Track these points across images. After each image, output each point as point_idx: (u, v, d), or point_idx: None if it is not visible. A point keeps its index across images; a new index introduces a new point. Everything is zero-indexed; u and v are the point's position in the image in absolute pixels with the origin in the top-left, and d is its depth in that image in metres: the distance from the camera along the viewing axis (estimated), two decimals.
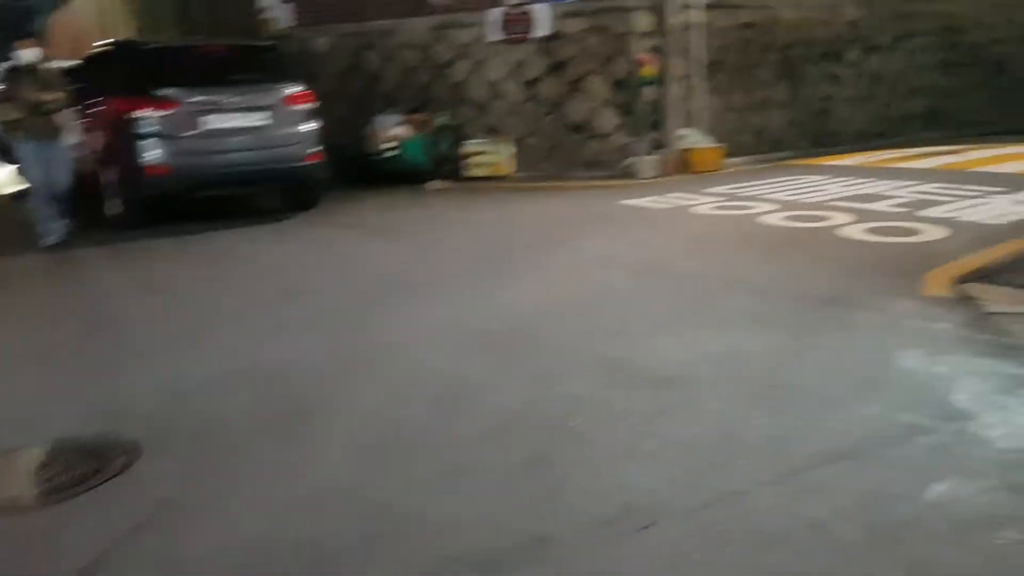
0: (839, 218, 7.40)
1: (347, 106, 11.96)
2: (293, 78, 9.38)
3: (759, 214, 7.87)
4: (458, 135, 11.55)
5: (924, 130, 13.60)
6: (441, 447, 3.43)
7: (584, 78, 11.23)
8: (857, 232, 6.85)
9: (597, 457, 3.26)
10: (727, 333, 4.58)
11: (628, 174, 10.67)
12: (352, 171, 11.41)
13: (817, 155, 11.84)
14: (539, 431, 3.51)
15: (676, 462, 3.17)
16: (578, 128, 11.38)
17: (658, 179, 10.47)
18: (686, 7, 11.00)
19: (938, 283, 5.24)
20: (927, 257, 5.91)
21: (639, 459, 3.21)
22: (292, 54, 11.50)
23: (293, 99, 9.11)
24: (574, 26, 11.14)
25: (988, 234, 6.50)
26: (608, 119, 11.23)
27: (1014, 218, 7.00)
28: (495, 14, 11.33)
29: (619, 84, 11.07)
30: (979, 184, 8.59)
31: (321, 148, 9.31)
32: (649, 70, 10.86)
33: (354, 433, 3.63)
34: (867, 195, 8.42)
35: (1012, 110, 13.84)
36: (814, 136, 12.92)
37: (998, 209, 7.39)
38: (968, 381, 3.72)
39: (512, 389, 3.99)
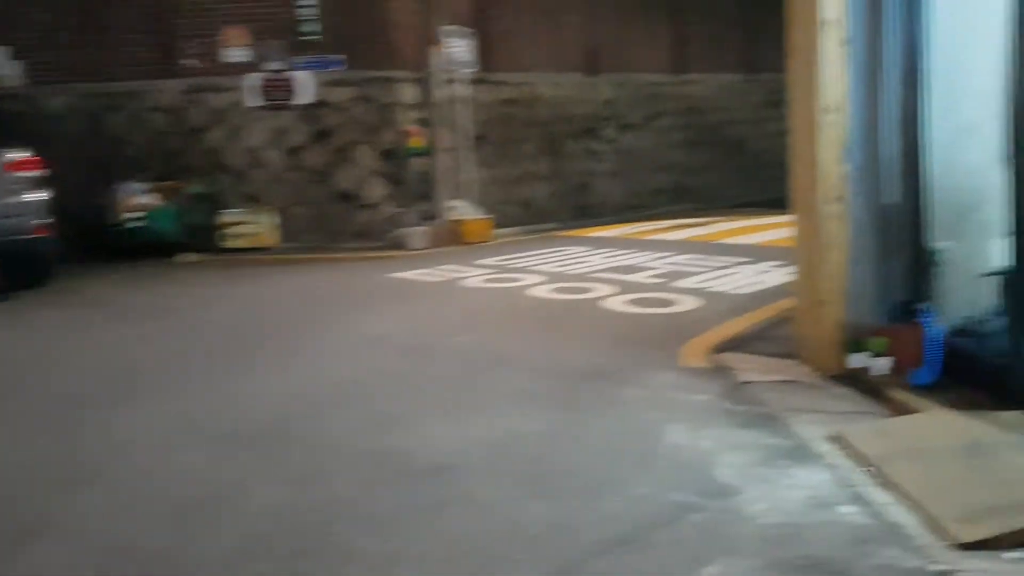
0: (602, 289, 7.61)
1: (87, 173, 10.88)
2: (18, 142, 8.37)
3: (527, 286, 7.96)
4: (214, 204, 10.86)
5: (672, 203, 14.62)
6: (176, 571, 2.97)
7: (351, 147, 11.04)
8: (619, 304, 7.06)
9: (360, 570, 2.93)
10: (499, 415, 4.47)
11: (398, 245, 10.51)
12: (92, 244, 10.36)
13: (579, 226, 12.34)
14: (294, 545, 3.12)
15: (451, 566, 2.93)
16: (346, 197, 11.11)
17: (428, 250, 10.39)
18: (451, 81, 11.15)
19: (695, 354, 5.44)
20: (683, 327, 6.15)
21: (409, 567, 2.93)
22: (20, 115, 10.37)
23: (17, 165, 8.12)
24: (340, 95, 10.96)
25: (737, 303, 6.90)
26: (376, 189, 11.07)
27: (759, 287, 7.51)
28: (254, 79, 10.89)
29: (387, 154, 10.98)
30: (726, 255, 9.24)
31: (52, 219, 8.33)
32: (417, 141, 10.88)
33: (73, 558, 3.09)
34: (626, 266, 8.78)
35: (750, 185, 15.23)
36: (576, 208, 13.49)
37: (744, 279, 7.91)
38: (730, 455, 3.78)
39: (264, 496, 3.56)
